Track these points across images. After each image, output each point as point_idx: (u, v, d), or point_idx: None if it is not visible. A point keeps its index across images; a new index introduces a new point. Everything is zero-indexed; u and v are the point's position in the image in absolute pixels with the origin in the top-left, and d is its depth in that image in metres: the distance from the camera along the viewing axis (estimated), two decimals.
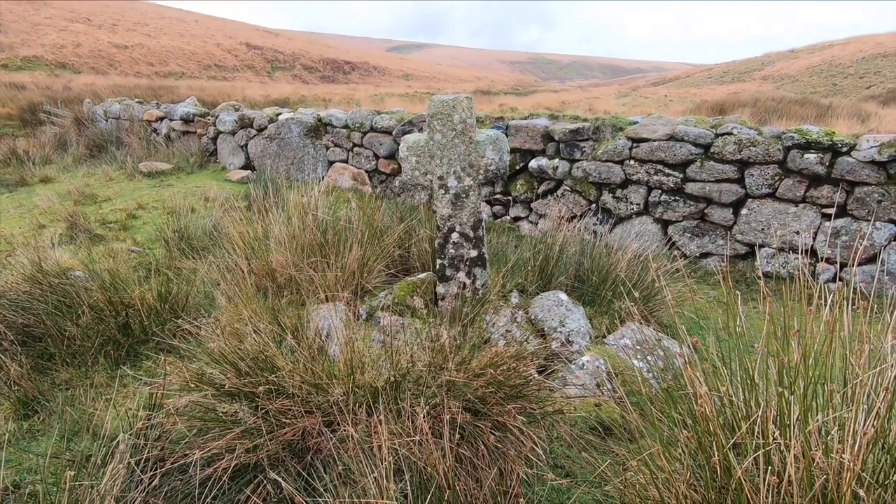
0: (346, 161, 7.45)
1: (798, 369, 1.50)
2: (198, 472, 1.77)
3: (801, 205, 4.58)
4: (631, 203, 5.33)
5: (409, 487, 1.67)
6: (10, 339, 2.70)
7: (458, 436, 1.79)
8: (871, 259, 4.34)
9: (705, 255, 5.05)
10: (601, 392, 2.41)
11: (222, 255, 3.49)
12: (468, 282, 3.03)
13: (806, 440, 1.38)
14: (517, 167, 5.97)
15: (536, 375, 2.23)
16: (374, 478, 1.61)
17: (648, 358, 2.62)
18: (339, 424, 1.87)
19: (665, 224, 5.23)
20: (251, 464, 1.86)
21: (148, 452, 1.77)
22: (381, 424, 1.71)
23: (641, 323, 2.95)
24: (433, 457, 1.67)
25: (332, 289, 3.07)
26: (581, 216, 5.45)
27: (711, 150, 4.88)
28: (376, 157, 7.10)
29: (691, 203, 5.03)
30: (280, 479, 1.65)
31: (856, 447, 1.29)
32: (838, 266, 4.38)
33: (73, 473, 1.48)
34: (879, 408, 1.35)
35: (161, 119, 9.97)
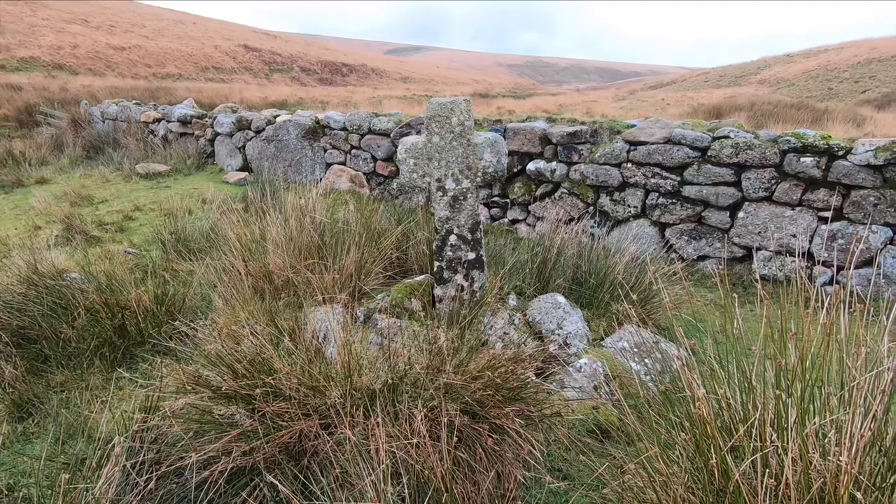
0: (343, 163, 7.45)
1: (795, 372, 1.50)
2: (194, 475, 1.76)
3: (798, 208, 4.60)
4: (628, 206, 5.34)
5: (406, 491, 1.66)
6: (4, 341, 2.68)
7: (455, 438, 1.78)
8: (868, 262, 4.36)
9: (702, 257, 5.06)
10: (599, 395, 2.41)
11: (219, 257, 3.48)
12: (466, 284, 3.03)
13: (803, 443, 1.38)
14: (515, 170, 5.98)
15: (534, 378, 2.23)
16: (372, 481, 1.61)
17: (646, 360, 2.63)
18: (336, 427, 1.87)
19: (662, 227, 5.24)
20: (248, 467, 1.85)
21: (144, 455, 1.76)
22: (378, 427, 1.70)
23: (639, 325, 2.96)
24: (431, 460, 1.67)
25: (329, 291, 3.06)
26: (579, 219, 5.46)
27: (708, 154, 4.90)
28: (374, 159, 7.10)
29: (688, 206, 5.04)
30: (277, 483, 1.64)
31: (853, 450, 1.29)
32: (835, 269, 4.39)
33: (67, 476, 1.47)
34: (876, 410, 1.35)
35: (158, 121, 9.95)
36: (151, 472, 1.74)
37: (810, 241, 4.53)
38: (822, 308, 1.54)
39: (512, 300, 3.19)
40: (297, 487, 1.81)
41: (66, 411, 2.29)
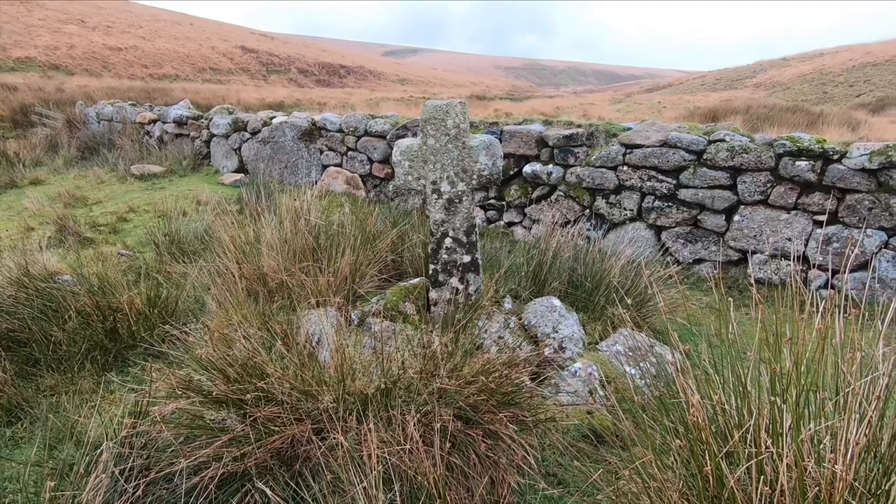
0: (340, 165, 7.43)
1: (790, 377, 1.49)
2: (184, 481, 1.74)
3: (793, 212, 4.61)
4: (624, 209, 5.34)
5: (398, 497, 1.64)
6: None
7: (448, 444, 1.77)
8: (863, 266, 4.37)
9: (698, 261, 5.06)
10: (594, 399, 2.40)
11: (213, 260, 3.46)
12: (461, 287, 3.02)
13: (798, 449, 1.37)
14: (511, 172, 5.98)
15: (529, 383, 2.21)
16: (364, 487, 1.59)
17: (641, 365, 2.62)
18: (328, 432, 1.85)
19: (658, 230, 5.24)
20: (238, 472, 1.83)
21: (133, 461, 1.74)
22: (371, 432, 1.69)
23: (634, 329, 2.95)
24: (423, 465, 1.65)
25: (323, 294, 3.04)
26: (575, 222, 5.46)
27: (704, 157, 4.90)
28: (370, 161, 7.09)
29: (684, 209, 5.04)
30: (267, 489, 1.62)
31: (848, 456, 1.28)
32: (830, 273, 4.40)
33: (53, 484, 1.44)
34: (871, 416, 1.34)
35: (154, 122, 9.91)
36: (140, 479, 1.71)
37: (805, 245, 4.54)
38: (818, 312, 1.53)
39: (507, 303, 3.18)
40: (289, 493, 1.79)
41: (55, 416, 2.26)
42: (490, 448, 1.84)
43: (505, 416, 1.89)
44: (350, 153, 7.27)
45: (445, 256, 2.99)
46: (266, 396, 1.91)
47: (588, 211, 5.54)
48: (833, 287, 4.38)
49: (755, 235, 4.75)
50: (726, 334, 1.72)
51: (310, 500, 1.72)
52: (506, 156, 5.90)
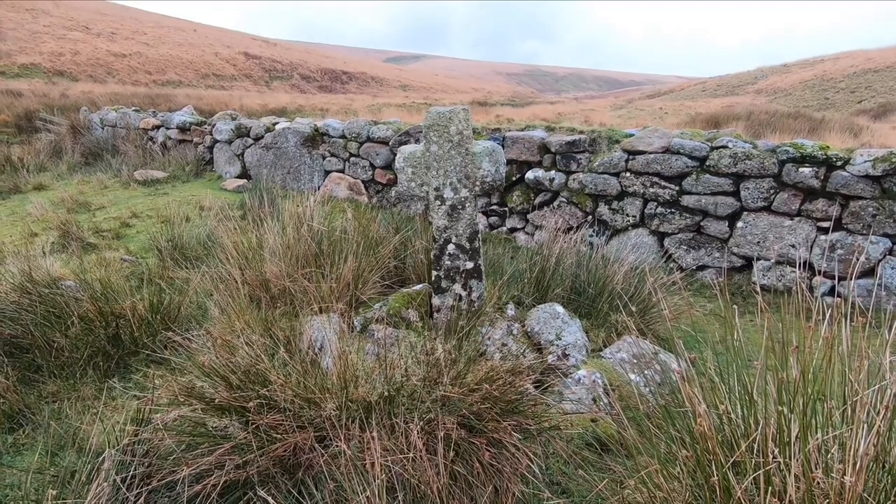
0: (342, 171, 7.45)
1: (797, 386, 1.48)
2: (186, 489, 1.73)
3: (797, 218, 4.60)
4: (627, 215, 5.34)
5: None
6: None
7: (452, 452, 1.75)
8: (867, 273, 4.35)
9: (702, 267, 5.05)
10: (598, 407, 2.38)
11: (216, 265, 3.45)
12: (464, 294, 3.01)
13: (806, 459, 1.36)
14: (514, 178, 5.98)
15: (532, 390, 2.20)
16: (367, 496, 1.58)
17: (645, 372, 2.60)
18: (331, 440, 1.84)
19: (661, 236, 5.24)
20: (241, 480, 1.82)
21: (134, 469, 1.73)
22: (374, 440, 1.67)
23: (638, 336, 2.94)
24: (427, 474, 1.64)
25: (326, 300, 3.03)
26: (577, 228, 5.45)
27: (707, 163, 4.90)
28: (373, 167, 7.10)
29: (687, 215, 5.04)
30: (270, 498, 1.61)
31: (857, 467, 1.27)
32: (836, 279, 4.38)
33: (55, 492, 1.43)
34: (880, 426, 1.33)
35: (157, 127, 9.96)
36: (142, 487, 1.70)
37: (810, 252, 4.53)
38: (824, 320, 1.52)
39: (510, 310, 3.17)
40: (291, 502, 1.77)
41: (57, 423, 2.25)
42: (494, 457, 1.83)
43: (509, 425, 1.88)
44: (352, 159, 7.29)
45: (448, 263, 2.99)
46: (269, 404, 1.90)
47: (591, 217, 5.54)
48: (839, 295, 4.36)
49: (759, 242, 4.74)
50: (731, 342, 1.71)
51: None
52: (508, 162, 5.90)
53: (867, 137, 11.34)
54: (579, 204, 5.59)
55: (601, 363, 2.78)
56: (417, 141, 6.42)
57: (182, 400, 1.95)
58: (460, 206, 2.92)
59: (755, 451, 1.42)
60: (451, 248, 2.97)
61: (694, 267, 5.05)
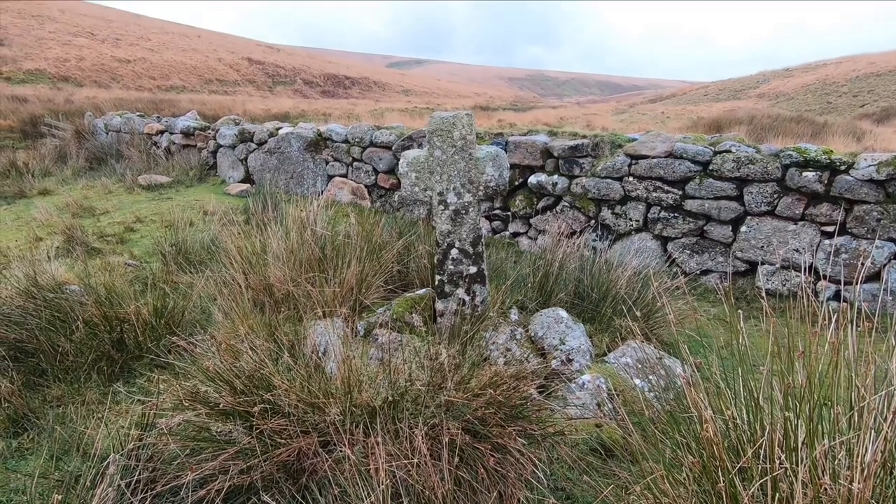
0: (345, 176, 7.47)
1: (803, 392, 1.47)
2: (190, 494, 1.73)
3: (801, 222, 4.58)
4: (630, 219, 5.33)
5: None
6: (1, 354, 2.66)
7: (457, 458, 1.75)
8: (872, 277, 4.33)
9: (705, 272, 5.04)
10: (602, 412, 2.37)
11: (220, 270, 3.46)
12: (467, 298, 3.01)
13: (813, 466, 1.35)
14: (516, 183, 5.99)
15: (537, 395, 2.20)
16: (371, 502, 1.57)
17: (650, 377, 2.59)
18: (335, 445, 1.84)
19: (665, 241, 5.23)
20: (245, 486, 1.82)
21: (139, 474, 1.73)
22: (378, 446, 1.67)
23: (642, 341, 2.93)
24: (431, 480, 1.64)
25: (329, 304, 3.04)
26: (580, 232, 5.45)
27: (710, 168, 4.90)
28: (376, 171, 7.12)
29: (690, 220, 5.03)
30: (273, 503, 1.60)
31: (864, 474, 1.26)
32: (841, 284, 4.36)
33: (59, 497, 1.43)
34: (887, 432, 1.32)
35: (161, 132, 10.01)
36: (146, 492, 1.70)
37: (814, 256, 4.51)
38: (829, 325, 1.51)
39: (514, 315, 3.16)
40: None
41: (62, 427, 2.26)
42: (498, 462, 1.82)
43: (513, 430, 1.87)
44: (355, 164, 7.31)
45: (451, 267, 2.99)
46: (272, 408, 1.90)
47: (593, 221, 5.54)
48: (844, 299, 4.34)
49: (762, 246, 4.72)
50: (736, 346, 1.70)
51: None
52: (511, 166, 5.90)
53: (870, 141, 11.32)
54: (582, 208, 5.59)
55: (605, 368, 2.77)
56: (420, 145, 6.44)
57: (186, 404, 1.95)
58: (464, 211, 2.92)
59: (762, 457, 1.42)
60: (454, 252, 2.98)
61: (698, 271, 5.04)
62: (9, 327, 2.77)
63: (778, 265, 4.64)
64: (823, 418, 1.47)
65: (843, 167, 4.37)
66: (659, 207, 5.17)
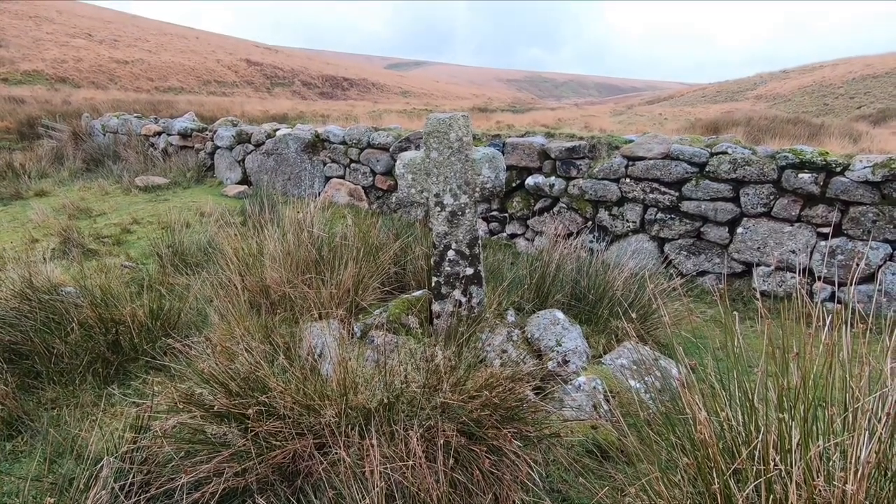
0: (342, 177, 7.47)
1: (798, 393, 1.47)
2: (184, 497, 1.72)
3: (797, 224, 4.59)
4: (627, 221, 5.34)
5: None
6: None
7: (452, 460, 1.75)
8: (868, 279, 4.34)
9: (702, 273, 5.04)
10: (598, 414, 2.37)
11: (216, 272, 3.46)
12: (464, 300, 3.01)
13: (807, 467, 1.35)
14: (513, 184, 5.99)
15: (532, 397, 2.19)
16: None
17: (646, 379, 2.59)
18: (330, 447, 1.83)
19: (661, 242, 5.24)
20: (240, 488, 1.81)
21: (133, 477, 1.72)
22: (373, 448, 1.67)
23: (638, 342, 2.93)
24: (427, 482, 1.63)
25: (326, 306, 3.03)
26: (577, 233, 5.45)
27: (706, 169, 4.91)
28: (373, 173, 7.12)
29: (687, 221, 5.04)
30: None
31: (858, 475, 1.26)
32: (837, 285, 4.38)
33: (53, 500, 1.43)
34: (881, 433, 1.32)
35: (159, 134, 9.99)
36: (140, 495, 1.69)
37: (810, 258, 4.52)
38: (824, 326, 1.51)
39: (510, 316, 3.16)
40: None
41: (56, 430, 2.25)
42: (494, 464, 1.82)
43: (509, 432, 1.87)
44: (353, 165, 7.31)
45: (448, 269, 2.99)
46: (268, 411, 1.89)
47: (590, 223, 5.54)
48: (839, 300, 4.35)
49: (759, 248, 4.73)
50: (732, 348, 1.70)
51: None
52: (508, 168, 5.91)
53: (867, 143, 11.36)
54: (579, 210, 5.60)
55: (601, 369, 2.77)
56: (418, 147, 6.44)
57: (181, 407, 1.95)
58: (460, 213, 2.92)
59: (756, 458, 1.42)
60: (451, 253, 2.98)
61: (694, 273, 5.04)
62: (3, 329, 2.76)
63: (774, 266, 4.65)
64: (818, 419, 1.48)
65: (838, 169, 4.38)
66: (656, 209, 5.18)
